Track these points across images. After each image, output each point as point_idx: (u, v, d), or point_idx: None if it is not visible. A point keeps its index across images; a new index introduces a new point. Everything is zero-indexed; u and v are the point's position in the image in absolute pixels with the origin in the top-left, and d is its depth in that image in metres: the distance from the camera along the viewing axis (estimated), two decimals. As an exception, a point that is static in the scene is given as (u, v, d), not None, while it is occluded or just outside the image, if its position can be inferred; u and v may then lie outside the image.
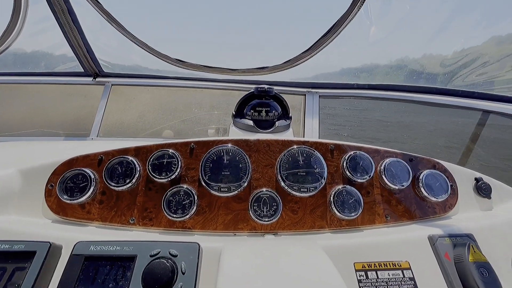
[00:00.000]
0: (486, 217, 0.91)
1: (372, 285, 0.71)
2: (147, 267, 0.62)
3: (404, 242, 0.80)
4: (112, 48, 2.03)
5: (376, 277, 0.72)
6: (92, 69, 1.97)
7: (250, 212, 0.89)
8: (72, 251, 0.66)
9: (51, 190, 0.88)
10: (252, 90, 1.15)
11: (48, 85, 2.06)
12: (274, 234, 0.89)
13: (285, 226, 0.89)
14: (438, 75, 1.84)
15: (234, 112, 1.16)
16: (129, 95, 2.07)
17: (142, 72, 2.06)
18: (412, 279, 0.73)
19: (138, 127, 2.07)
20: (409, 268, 0.74)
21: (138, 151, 0.95)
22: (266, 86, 1.12)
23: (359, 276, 0.72)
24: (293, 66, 1.91)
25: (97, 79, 2.01)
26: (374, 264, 0.75)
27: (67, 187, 0.87)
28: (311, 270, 0.61)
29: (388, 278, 0.72)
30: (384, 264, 0.75)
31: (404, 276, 0.73)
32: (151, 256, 0.66)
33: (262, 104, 1.13)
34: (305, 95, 2.03)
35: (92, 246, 0.67)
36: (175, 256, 0.66)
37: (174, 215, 0.86)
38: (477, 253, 0.72)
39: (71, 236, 0.75)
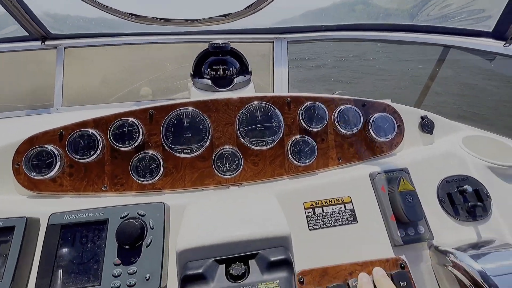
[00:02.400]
0: (424, 151, 1.03)
1: (318, 219, 0.84)
2: (119, 227, 0.71)
3: (349, 180, 0.92)
4: (56, 7, 1.81)
5: (322, 212, 0.85)
6: (37, 31, 1.79)
7: (214, 168, 0.96)
8: (48, 222, 0.73)
9: (18, 169, 0.91)
10: (207, 47, 1.11)
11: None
12: (238, 186, 0.99)
13: (247, 178, 0.99)
14: (404, 11, 1.78)
15: (192, 72, 1.14)
16: (87, 57, 1.94)
17: (95, 31, 1.89)
18: (352, 210, 0.86)
19: (103, 92, 1.99)
20: (350, 202, 0.87)
21: (98, 123, 0.96)
22: (220, 42, 1.08)
23: (307, 213, 0.85)
24: (257, 11, 1.78)
25: (46, 43, 1.84)
26: (321, 201, 0.87)
27: (33, 165, 0.90)
28: (260, 212, 0.71)
29: (332, 212, 0.85)
30: (329, 200, 0.87)
31: (346, 208, 0.86)
32: (121, 218, 0.74)
33: (218, 61, 1.11)
34: (273, 41, 1.95)
35: (66, 215, 0.74)
36: (143, 215, 0.75)
37: (143, 179, 0.93)
38: (406, 183, 0.85)
39: (48, 209, 0.82)
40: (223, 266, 0.61)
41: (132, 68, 2.05)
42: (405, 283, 0.74)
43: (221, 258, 0.61)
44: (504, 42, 1.45)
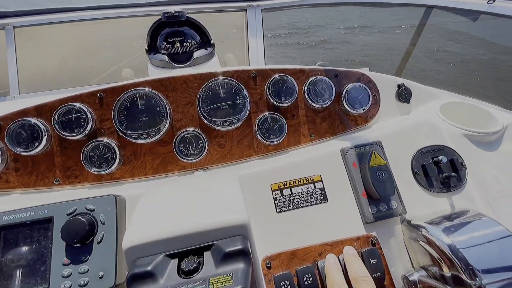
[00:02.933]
0: (399, 121, 0.97)
1: (286, 200, 0.80)
2: (64, 225, 0.64)
3: (319, 158, 0.86)
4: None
5: (290, 193, 0.81)
6: (-22, 9, 1.58)
7: (177, 153, 0.89)
8: (-15, 224, 0.66)
9: (-45, 167, 0.82)
10: (160, 17, 0.98)
11: None
12: (204, 170, 0.92)
13: (214, 161, 0.92)
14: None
15: (146, 48, 1.02)
16: (41, 37, 1.75)
17: (46, 7, 1.68)
18: (322, 189, 0.81)
19: (63, 76, 1.83)
20: (320, 181, 0.82)
21: (40, 110, 0.86)
22: (173, 10, 0.95)
23: (275, 195, 0.80)
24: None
25: (-9, 22, 1.64)
26: (289, 182, 0.82)
27: (-30, 162, 0.81)
28: (218, 200, 0.65)
29: (301, 192, 0.81)
30: (298, 181, 0.82)
31: (315, 187, 0.82)
32: (68, 214, 0.68)
33: (174, 34, 0.99)
34: (245, 10, 1.80)
35: (5, 216, 0.67)
36: (92, 210, 0.69)
37: (98, 169, 0.85)
38: (377, 158, 0.80)
39: (-8, 208, 0.75)
40: (176, 260, 0.56)
41: (91, 47, 1.88)
42: (375, 260, 0.71)
43: (172, 252, 0.56)
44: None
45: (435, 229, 0.71)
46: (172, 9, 0.95)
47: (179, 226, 0.58)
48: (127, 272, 0.58)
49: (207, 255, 0.56)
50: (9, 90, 1.64)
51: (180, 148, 0.90)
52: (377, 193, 0.75)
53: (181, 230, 0.57)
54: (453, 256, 0.64)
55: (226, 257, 0.54)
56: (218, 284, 0.50)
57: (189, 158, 0.89)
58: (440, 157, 0.84)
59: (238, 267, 0.53)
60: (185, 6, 1.70)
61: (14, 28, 1.68)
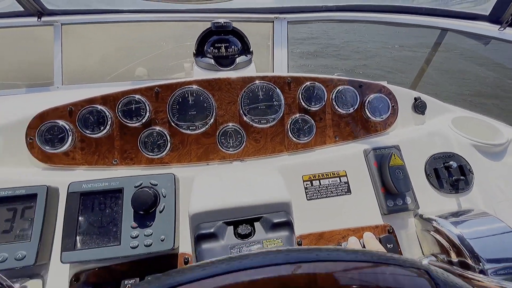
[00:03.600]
0: (415, 130, 1.10)
1: (315, 190, 0.92)
2: (134, 194, 0.77)
3: (345, 156, 0.99)
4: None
5: (319, 184, 0.93)
6: (33, 6, 1.75)
7: (218, 144, 1.02)
8: (67, 190, 0.79)
9: (32, 143, 0.95)
10: (210, 26, 1.13)
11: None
12: (241, 161, 1.05)
13: (250, 153, 1.05)
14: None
15: (194, 51, 1.17)
16: (85, 35, 1.91)
17: (93, 7, 1.85)
18: (347, 183, 0.94)
19: (103, 70, 1.98)
20: (345, 175, 0.95)
21: (106, 99, 0.99)
22: (223, 21, 1.10)
23: (306, 185, 0.92)
24: (258, -11, 1.77)
25: (42, 19, 1.80)
26: (318, 175, 0.94)
27: (46, 139, 0.94)
28: (264, 183, 0.78)
29: (328, 184, 0.93)
30: (326, 174, 0.94)
31: (340, 181, 0.94)
32: (135, 187, 0.80)
33: (221, 41, 1.13)
34: (273, 22, 1.95)
35: (84, 184, 0.80)
36: (156, 185, 0.81)
37: (151, 153, 0.98)
38: (396, 159, 0.92)
39: (63, 179, 0.88)
40: (231, 227, 0.68)
41: (129, 47, 2.04)
42: (392, 245, 0.83)
43: (229, 220, 0.68)
44: (499, 26, 1.49)
45: (445, 221, 0.83)
46: (221, 19, 1.10)
47: (235, 200, 0.70)
48: (190, 235, 0.70)
49: (257, 225, 0.69)
50: (53, 81, 1.79)
51: (222, 140, 1.03)
52: (395, 188, 0.87)
53: (236, 203, 0.70)
54: (461, 245, 0.76)
55: (274, 226, 0.67)
56: (270, 245, 0.62)
57: (229, 150, 1.02)
58: (451, 162, 0.96)
59: (285, 234, 0.65)
60: (220, 14, 1.86)
61: (61, 25, 1.84)
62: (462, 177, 0.94)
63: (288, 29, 1.92)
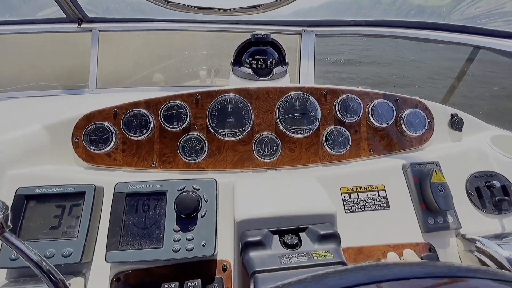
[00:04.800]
0: (453, 147, 1.08)
1: (353, 203, 0.91)
2: (178, 198, 0.78)
3: (382, 170, 0.98)
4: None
5: (357, 197, 0.92)
6: (74, 14, 1.85)
7: (254, 152, 1.03)
8: (114, 190, 0.81)
9: (77, 142, 0.99)
10: (249, 38, 1.16)
11: (30, 35, 1.95)
12: (275, 170, 1.05)
13: (284, 163, 1.05)
14: (440, 7, 1.78)
15: (232, 60, 1.20)
16: (119, 42, 2.00)
17: (128, 16, 1.94)
18: (385, 197, 0.92)
19: (134, 76, 2.06)
20: (384, 190, 0.93)
21: (149, 104, 1.03)
22: (263, 33, 1.13)
23: (344, 197, 0.92)
24: (289, 2, 1.82)
25: (82, 25, 1.90)
26: (356, 188, 0.93)
27: (91, 139, 0.98)
28: (306, 193, 0.78)
29: (367, 198, 0.92)
30: (364, 187, 0.94)
31: (379, 195, 0.93)
32: (178, 190, 0.82)
33: (259, 52, 1.16)
34: (300, 34, 1.98)
35: (129, 185, 0.82)
36: (198, 189, 0.83)
37: (189, 158, 1.00)
38: (438, 175, 0.90)
39: (107, 179, 0.91)
40: (277, 236, 0.68)
41: (161, 54, 2.11)
42: (434, 264, 0.80)
43: (275, 229, 0.68)
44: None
45: (491, 242, 0.80)
46: (261, 31, 1.13)
47: (281, 209, 0.70)
48: (234, 242, 0.71)
49: (303, 235, 0.68)
50: (87, 84, 1.87)
51: (257, 148, 1.04)
52: (437, 206, 0.85)
53: (282, 212, 0.70)
54: (510, 267, 0.73)
55: (321, 238, 0.66)
56: (320, 257, 0.61)
57: (265, 158, 1.03)
58: (494, 181, 0.93)
59: (333, 247, 0.65)
60: (250, 26, 1.91)
61: (99, 32, 1.94)
62: (506, 197, 0.91)
63: (315, 42, 1.95)
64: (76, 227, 0.77)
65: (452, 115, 1.16)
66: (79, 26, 1.91)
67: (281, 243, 0.66)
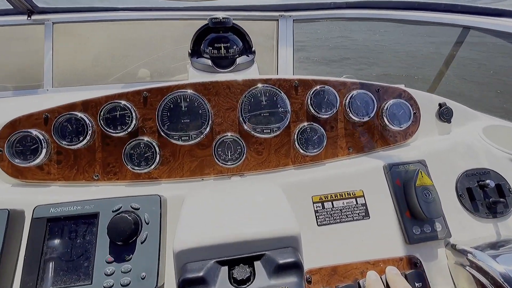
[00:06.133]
0: (440, 141, 0.95)
1: (327, 214, 0.78)
2: (110, 221, 0.64)
3: (361, 172, 0.85)
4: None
5: (331, 207, 0.79)
6: (22, 4, 1.64)
7: (215, 157, 0.89)
8: (32, 215, 0.66)
9: (1, 155, 0.83)
10: (207, 22, 1.00)
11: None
12: (240, 176, 0.92)
13: (250, 167, 0.92)
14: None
15: (190, 51, 1.04)
16: (77, 34, 1.80)
17: (85, 5, 1.74)
18: (364, 205, 0.80)
19: (97, 72, 1.87)
20: (362, 196, 0.81)
21: (87, 105, 0.87)
22: (221, 16, 0.97)
23: (316, 207, 0.78)
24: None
25: (33, 17, 1.70)
26: (331, 195, 0.80)
27: (17, 151, 0.82)
28: (265, 208, 0.64)
29: (343, 206, 0.79)
30: (340, 194, 0.81)
31: (357, 203, 0.80)
32: (113, 211, 0.68)
33: (219, 39, 1.00)
34: (277, 20, 1.82)
35: (52, 208, 0.67)
36: (137, 209, 0.68)
37: (138, 168, 0.85)
38: (424, 177, 0.78)
39: (34, 198, 0.76)
40: (226, 268, 0.55)
41: (127, 47, 1.92)
42: (420, 284, 0.69)
43: (223, 259, 0.55)
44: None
45: (484, 255, 0.68)
46: (219, 15, 0.97)
47: (230, 233, 0.57)
48: (175, 276, 0.57)
49: (258, 265, 0.55)
50: (43, 83, 1.68)
51: (219, 152, 0.90)
52: (423, 214, 0.73)
53: (232, 237, 0.56)
54: (506, 284, 0.61)
55: (279, 269, 0.53)
56: (275, 296, 0.48)
57: (227, 163, 0.89)
58: (487, 181, 0.81)
59: (292, 281, 0.52)
60: (221, 12, 1.74)
61: (53, 24, 1.73)
62: (501, 199, 0.79)
63: (294, 28, 1.79)
64: (-16, 263, 0.63)
65: (440, 104, 1.03)
66: (29, 18, 1.70)
67: (229, 279, 0.53)
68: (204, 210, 0.65)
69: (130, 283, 0.61)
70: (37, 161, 0.82)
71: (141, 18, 1.84)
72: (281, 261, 0.53)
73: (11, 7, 1.67)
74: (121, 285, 0.61)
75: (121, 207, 0.68)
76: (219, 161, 0.89)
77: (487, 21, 1.40)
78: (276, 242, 0.57)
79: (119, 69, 1.90)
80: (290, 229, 0.58)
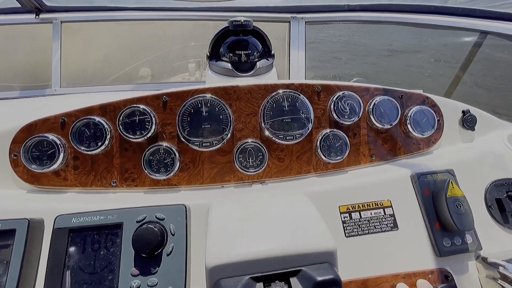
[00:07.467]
0: (465, 150, 0.93)
1: (355, 224, 0.76)
2: (135, 233, 0.62)
3: (387, 181, 0.83)
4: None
5: (359, 217, 0.77)
6: (30, 2, 1.61)
7: (236, 164, 0.87)
8: (54, 225, 0.64)
9: (16, 160, 0.81)
10: (227, 25, 0.98)
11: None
12: (261, 183, 0.89)
13: (272, 174, 0.89)
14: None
15: (208, 53, 1.01)
16: (86, 33, 1.77)
17: (95, 4, 1.71)
18: (392, 215, 0.77)
19: (105, 72, 1.84)
20: (390, 206, 0.78)
21: (105, 110, 0.84)
22: (242, 19, 0.94)
23: (343, 218, 0.76)
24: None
25: (41, 16, 1.67)
26: (358, 205, 0.78)
27: (33, 156, 0.79)
28: (298, 220, 0.62)
29: (371, 217, 0.77)
30: (367, 204, 0.78)
31: (385, 213, 0.78)
32: (137, 222, 0.65)
33: (240, 43, 0.98)
34: (289, 21, 1.79)
35: (74, 218, 0.64)
36: (162, 219, 0.66)
37: (157, 174, 0.83)
38: (455, 188, 0.76)
39: (51, 206, 0.73)
40: (261, 284, 0.52)
41: (135, 46, 1.89)
42: (453, 298, 0.66)
43: (258, 275, 0.53)
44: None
45: (519, 270, 0.66)
46: (240, 17, 0.94)
47: (265, 248, 0.55)
48: None
49: (294, 281, 0.53)
50: (50, 83, 1.65)
51: (240, 159, 0.87)
52: (456, 226, 0.71)
53: (267, 253, 0.54)
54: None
55: (318, 286, 0.51)
56: (317, 317, 0.46)
57: (249, 170, 0.87)
58: (517, 192, 0.79)
59: (333, 299, 0.49)
60: (232, 13, 1.71)
61: (61, 23, 1.70)
62: (532, 211, 0.77)
63: (306, 30, 1.77)
64: (3, 276, 0.60)
65: (463, 111, 1.01)
66: (37, 17, 1.67)
67: (265, 296, 0.51)
68: (233, 222, 0.63)
69: (156, 297, 0.59)
70: (54, 166, 0.79)
71: (150, 18, 1.82)
72: (319, 278, 0.51)
73: (19, 6, 1.64)
74: (148, 299, 0.59)
75: (145, 217, 0.65)
76: (240, 168, 0.87)
77: (506, 26, 1.38)
78: (312, 258, 0.55)
79: (128, 70, 1.87)
80: (327, 243, 0.55)
